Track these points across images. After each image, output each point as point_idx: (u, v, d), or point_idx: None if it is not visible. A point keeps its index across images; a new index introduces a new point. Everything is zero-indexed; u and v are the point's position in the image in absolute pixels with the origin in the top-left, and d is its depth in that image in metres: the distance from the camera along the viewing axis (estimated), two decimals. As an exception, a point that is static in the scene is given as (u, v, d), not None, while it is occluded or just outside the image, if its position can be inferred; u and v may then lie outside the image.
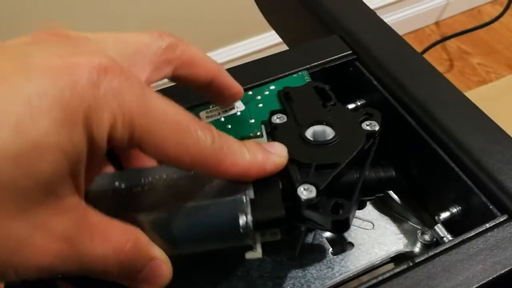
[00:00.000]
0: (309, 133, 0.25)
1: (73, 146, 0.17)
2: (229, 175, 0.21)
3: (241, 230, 0.21)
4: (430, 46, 1.23)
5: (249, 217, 0.21)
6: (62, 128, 0.17)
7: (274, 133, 0.26)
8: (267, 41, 1.14)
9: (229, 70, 0.27)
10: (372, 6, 1.11)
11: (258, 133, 0.27)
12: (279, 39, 0.44)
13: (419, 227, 0.28)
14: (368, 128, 0.25)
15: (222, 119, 0.28)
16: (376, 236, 0.28)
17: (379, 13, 1.19)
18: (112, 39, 0.22)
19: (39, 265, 0.18)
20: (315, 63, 0.31)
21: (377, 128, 0.25)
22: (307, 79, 0.30)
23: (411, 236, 0.28)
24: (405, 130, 0.29)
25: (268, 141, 0.26)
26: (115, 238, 0.19)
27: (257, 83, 0.30)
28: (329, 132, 0.25)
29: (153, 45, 0.23)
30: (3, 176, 0.16)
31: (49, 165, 0.17)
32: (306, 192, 0.22)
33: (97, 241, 0.19)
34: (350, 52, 0.32)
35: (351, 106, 0.31)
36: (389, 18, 1.29)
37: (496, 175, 0.25)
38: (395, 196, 0.29)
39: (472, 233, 0.23)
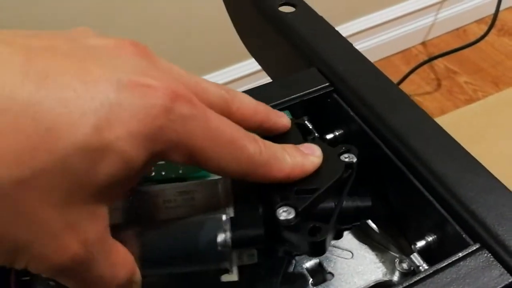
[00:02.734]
0: None
1: (134, 159, 0.19)
2: (276, 180, 0.23)
3: (219, 247, 0.22)
4: (417, 66, 1.25)
5: (228, 234, 0.23)
6: (131, 140, 0.18)
7: None
8: (248, 68, 1.15)
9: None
10: (359, 28, 1.13)
11: None
12: (259, 67, 0.45)
13: (398, 256, 0.28)
14: (346, 160, 0.26)
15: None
16: (355, 265, 0.28)
17: (366, 34, 1.21)
18: (184, 74, 0.23)
19: (53, 263, 0.19)
20: (294, 96, 0.32)
21: (354, 160, 0.26)
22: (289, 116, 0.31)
23: (389, 265, 0.28)
24: (381, 160, 0.29)
25: None
26: (118, 265, 0.21)
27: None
28: None
29: (215, 94, 0.24)
30: (69, 166, 0.18)
31: (109, 168, 0.18)
32: (285, 213, 0.23)
33: (107, 264, 0.20)
34: (327, 84, 0.32)
35: (329, 136, 0.32)
36: (377, 39, 1.32)
37: (468, 204, 0.26)
38: (373, 225, 0.30)
39: (445, 263, 0.24)
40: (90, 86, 0.18)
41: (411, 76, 1.25)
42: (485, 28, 1.23)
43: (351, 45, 0.35)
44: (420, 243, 0.27)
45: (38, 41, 0.19)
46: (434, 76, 1.31)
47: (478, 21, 1.46)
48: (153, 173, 0.28)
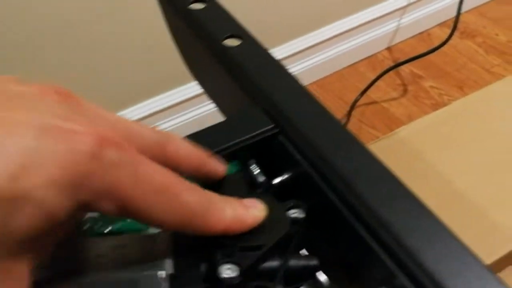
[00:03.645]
0: None
1: (56, 209, 0.18)
2: (215, 232, 0.22)
3: None
4: (383, 72, 1.25)
5: None
6: (51, 188, 0.17)
7: None
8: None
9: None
10: (325, 37, 1.12)
11: None
12: (200, 90, 0.43)
13: (349, 308, 0.27)
14: (293, 215, 0.25)
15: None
16: (305, 320, 0.27)
17: (331, 43, 1.20)
18: (114, 119, 0.22)
19: None
20: (238, 140, 0.31)
21: (302, 215, 0.25)
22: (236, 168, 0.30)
23: (341, 318, 0.27)
24: (328, 207, 0.28)
25: None
26: None
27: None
28: None
29: (147, 137, 0.23)
30: None
31: (27, 220, 0.17)
32: (228, 271, 0.22)
33: None
34: (272, 126, 0.31)
35: (277, 180, 0.31)
36: (342, 47, 1.32)
37: (417, 255, 0.25)
38: (324, 276, 0.28)
39: (394, 323, 0.23)
40: (9, 133, 0.17)
41: (377, 83, 1.25)
42: (448, 31, 1.24)
43: (297, 81, 0.33)
44: (370, 297, 0.26)
45: None
46: (400, 82, 1.31)
47: (441, 25, 1.48)
48: (87, 226, 0.27)
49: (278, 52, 1.21)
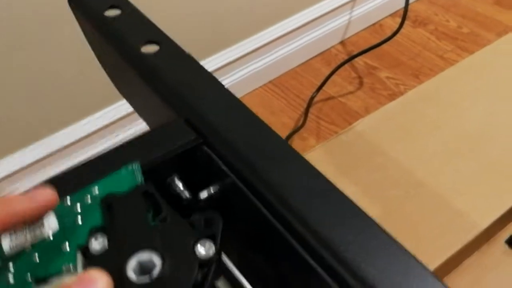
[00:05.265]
0: (132, 265, 0.21)
1: None
2: None
3: None
4: (338, 67, 1.24)
5: None
6: None
7: (92, 265, 0.22)
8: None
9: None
10: (279, 34, 1.09)
11: (72, 265, 0.22)
12: (128, 110, 0.40)
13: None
14: (202, 253, 0.22)
15: (30, 247, 0.23)
16: None
17: (283, 41, 1.17)
18: None
19: None
20: (158, 154, 0.28)
21: (212, 252, 0.22)
22: (138, 174, 0.26)
23: None
24: (259, 222, 0.26)
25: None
26: None
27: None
28: (156, 263, 0.21)
29: None
30: None
31: None
32: None
33: None
34: (195, 137, 0.28)
35: (204, 195, 0.28)
36: (296, 43, 1.30)
37: (358, 272, 0.22)
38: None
39: None
40: None
41: (333, 77, 1.23)
42: (399, 20, 1.23)
43: (222, 87, 0.31)
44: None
45: None
46: (356, 75, 1.30)
47: (393, 15, 1.48)
48: None
49: (230, 53, 1.18)
